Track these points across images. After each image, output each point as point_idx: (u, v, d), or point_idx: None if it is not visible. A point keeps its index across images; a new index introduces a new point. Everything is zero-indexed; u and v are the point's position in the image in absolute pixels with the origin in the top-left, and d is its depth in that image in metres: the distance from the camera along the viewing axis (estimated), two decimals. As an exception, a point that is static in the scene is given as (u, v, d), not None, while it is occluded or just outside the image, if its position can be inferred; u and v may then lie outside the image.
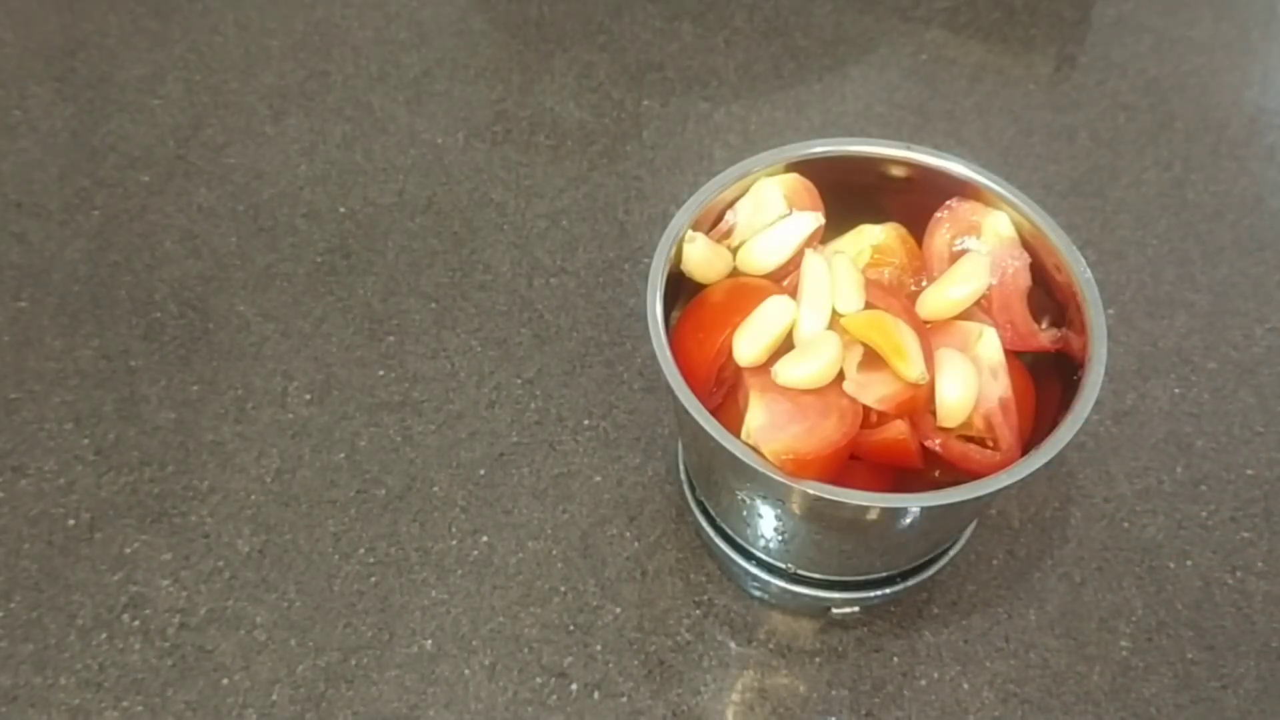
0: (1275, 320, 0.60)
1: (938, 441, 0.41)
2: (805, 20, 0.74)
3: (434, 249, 0.62)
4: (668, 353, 0.41)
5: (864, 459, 0.41)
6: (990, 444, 0.41)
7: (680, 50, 0.71)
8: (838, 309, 0.42)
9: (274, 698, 0.48)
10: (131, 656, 0.49)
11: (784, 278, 0.45)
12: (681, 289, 0.46)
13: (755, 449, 0.39)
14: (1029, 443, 0.42)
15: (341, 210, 0.64)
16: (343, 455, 0.54)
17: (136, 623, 0.50)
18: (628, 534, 0.52)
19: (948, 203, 0.47)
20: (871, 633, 0.50)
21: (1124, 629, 0.50)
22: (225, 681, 0.48)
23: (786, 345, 0.42)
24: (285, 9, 0.73)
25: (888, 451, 0.41)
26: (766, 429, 0.39)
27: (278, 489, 0.53)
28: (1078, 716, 0.48)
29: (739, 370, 0.42)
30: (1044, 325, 0.46)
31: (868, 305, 0.42)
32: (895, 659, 0.49)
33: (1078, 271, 0.43)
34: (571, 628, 0.50)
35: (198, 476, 0.54)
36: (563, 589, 0.51)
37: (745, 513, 0.45)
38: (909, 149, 0.47)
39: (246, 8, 0.73)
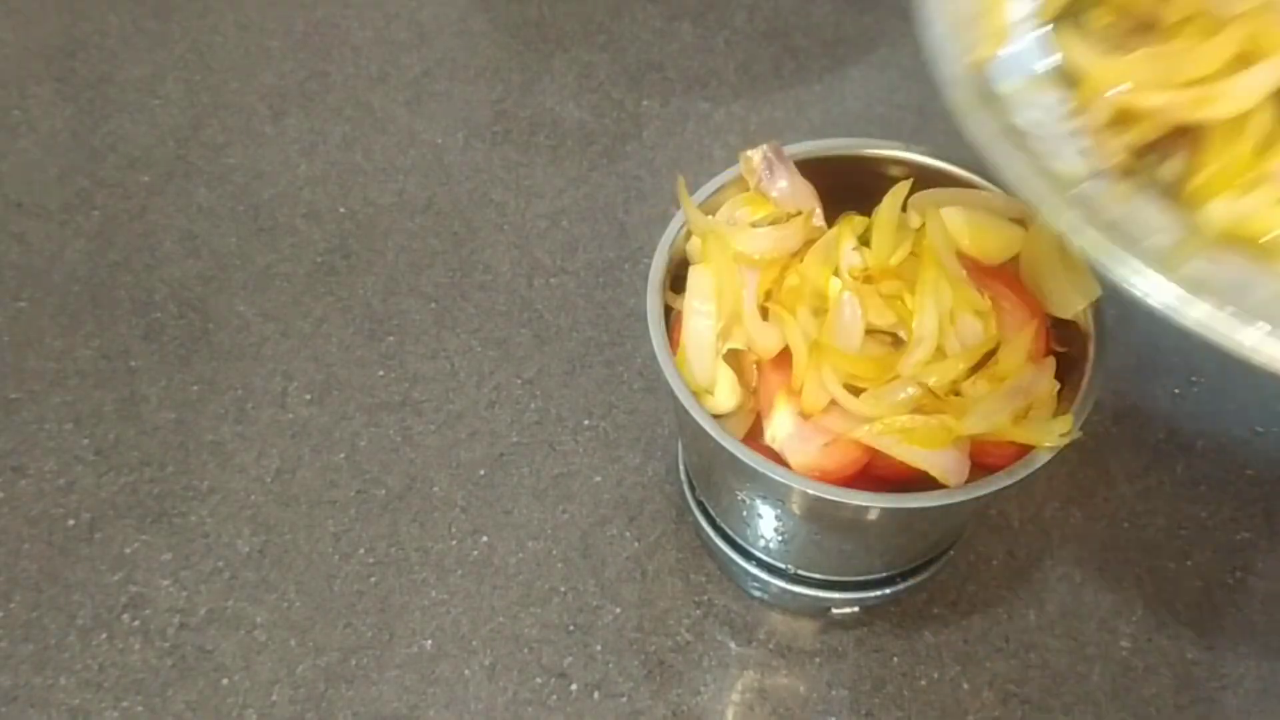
0: (1275, 320, 0.60)
1: None
2: (805, 20, 0.73)
3: (434, 249, 0.62)
4: (668, 353, 0.41)
5: (888, 481, 0.41)
6: None
7: (680, 50, 0.71)
8: None
9: (274, 698, 0.48)
10: (131, 656, 0.49)
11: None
12: (682, 289, 0.46)
13: (780, 455, 0.40)
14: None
15: (341, 210, 0.64)
16: (343, 455, 0.54)
17: (136, 623, 0.50)
18: (628, 534, 0.52)
19: None
20: (871, 633, 0.50)
21: (1124, 629, 0.50)
22: (225, 681, 0.48)
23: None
24: (285, 9, 0.73)
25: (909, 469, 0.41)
26: (794, 439, 0.40)
27: (278, 489, 0.53)
28: (1078, 716, 0.48)
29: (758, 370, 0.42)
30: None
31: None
32: (895, 659, 0.49)
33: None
34: (571, 628, 0.50)
35: (198, 476, 0.54)
36: (563, 589, 0.51)
37: (745, 513, 0.45)
38: (909, 149, 0.47)
39: (246, 8, 0.73)
